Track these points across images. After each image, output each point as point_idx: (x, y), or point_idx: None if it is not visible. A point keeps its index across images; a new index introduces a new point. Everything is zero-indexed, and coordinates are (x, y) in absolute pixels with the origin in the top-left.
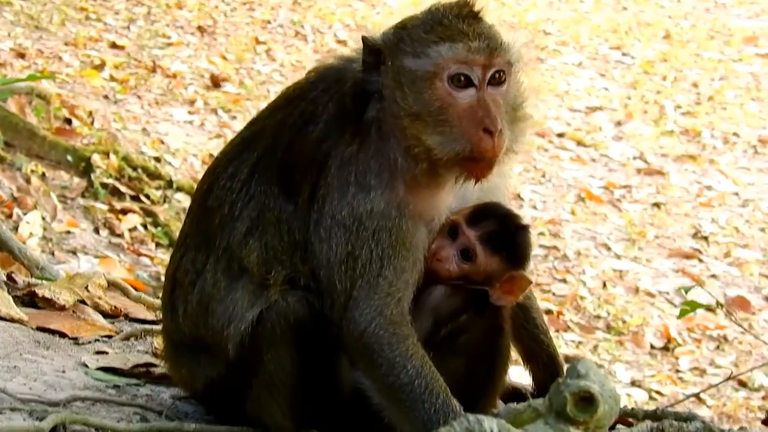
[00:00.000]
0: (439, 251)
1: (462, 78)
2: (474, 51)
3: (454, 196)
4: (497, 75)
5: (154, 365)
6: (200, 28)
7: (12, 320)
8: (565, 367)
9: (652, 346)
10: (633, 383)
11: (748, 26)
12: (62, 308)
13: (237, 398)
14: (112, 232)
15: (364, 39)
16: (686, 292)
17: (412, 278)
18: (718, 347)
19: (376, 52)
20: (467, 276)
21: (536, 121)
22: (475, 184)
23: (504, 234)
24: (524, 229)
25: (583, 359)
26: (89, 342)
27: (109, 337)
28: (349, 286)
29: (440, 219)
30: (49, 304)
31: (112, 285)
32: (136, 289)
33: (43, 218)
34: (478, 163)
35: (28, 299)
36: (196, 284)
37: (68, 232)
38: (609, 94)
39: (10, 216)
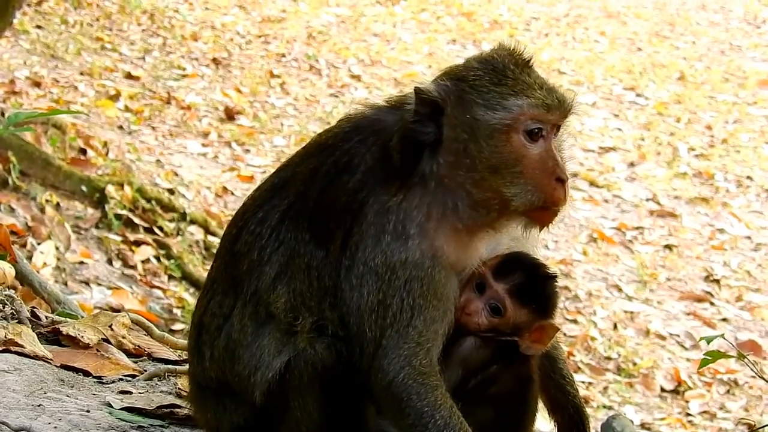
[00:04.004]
0: (468, 305)
1: (536, 131)
2: (552, 108)
3: (486, 246)
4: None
5: (179, 406)
6: (215, 61)
7: (36, 357)
8: (595, 421)
9: (663, 389)
10: (643, 426)
11: (763, 69)
12: (86, 346)
13: None
14: (125, 263)
15: (417, 90)
16: (709, 343)
17: (442, 328)
18: (728, 391)
19: (431, 104)
20: (496, 328)
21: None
22: (540, 231)
23: (532, 286)
24: (552, 278)
25: (618, 416)
26: (113, 381)
27: (133, 376)
28: (378, 335)
29: (472, 268)
30: (73, 342)
31: (136, 323)
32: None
33: (57, 248)
34: (546, 211)
35: (52, 336)
36: (222, 329)
37: (81, 263)
38: (622, 135)
39: (24, 245)
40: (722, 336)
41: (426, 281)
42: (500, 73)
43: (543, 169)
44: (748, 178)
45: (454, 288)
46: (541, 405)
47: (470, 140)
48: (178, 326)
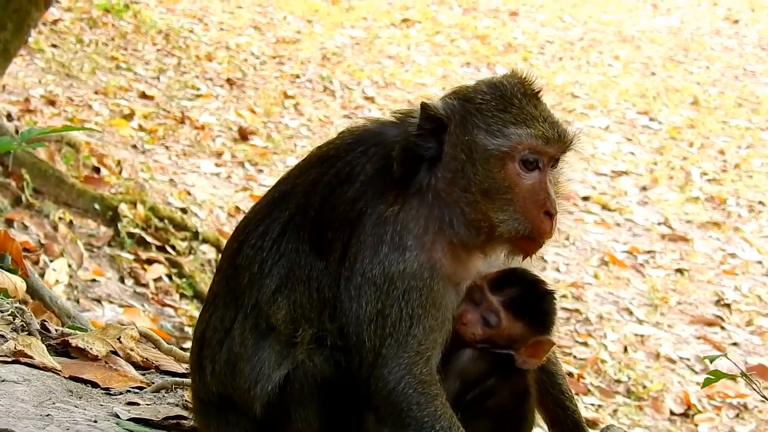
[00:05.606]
0: (464, 315)
1: (532, 161)
2: (551, 141)
3: (484, 261)
4: (557, 160)
5: (185, 418)
6: (229, 81)
7: (45, 369)
8: None
9: (672, 412)
10: None
11: None
12: (95, 358)
13: None
14: (137, 281)
15: (424, 105)
16: (711, 362)
17: (441, 338)
18: (738, 415)
19: (435, 120)
20: (491, 340)
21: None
22: (523, 260)
23: (528, 300)
24: (549, 294)
25: (611, 427)
26: (121, 393)
27: (141, 388)
28: (378, 345)
29: (468, 283)
30: (82, 353)
31: (144, 337)
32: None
33: (70, 266)
34: (531, 242)
35: (61, 348)
36: (224, 343)
37: (94, 281)
38: (635, 159)
39: (36, 262)
40: (725, 355)
41: (425, 291)
42: (506, 101)
43: (534, 200)
44: (761, 203)
45: (452, 299)
46: (539, 419)
47: (468, 161)
48: (189, 344)
